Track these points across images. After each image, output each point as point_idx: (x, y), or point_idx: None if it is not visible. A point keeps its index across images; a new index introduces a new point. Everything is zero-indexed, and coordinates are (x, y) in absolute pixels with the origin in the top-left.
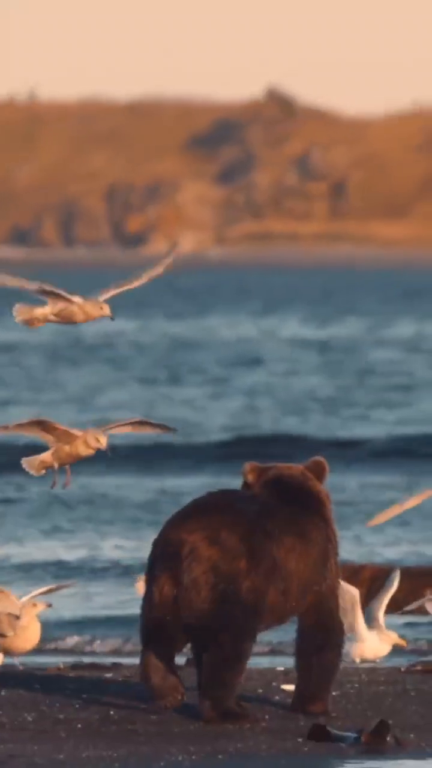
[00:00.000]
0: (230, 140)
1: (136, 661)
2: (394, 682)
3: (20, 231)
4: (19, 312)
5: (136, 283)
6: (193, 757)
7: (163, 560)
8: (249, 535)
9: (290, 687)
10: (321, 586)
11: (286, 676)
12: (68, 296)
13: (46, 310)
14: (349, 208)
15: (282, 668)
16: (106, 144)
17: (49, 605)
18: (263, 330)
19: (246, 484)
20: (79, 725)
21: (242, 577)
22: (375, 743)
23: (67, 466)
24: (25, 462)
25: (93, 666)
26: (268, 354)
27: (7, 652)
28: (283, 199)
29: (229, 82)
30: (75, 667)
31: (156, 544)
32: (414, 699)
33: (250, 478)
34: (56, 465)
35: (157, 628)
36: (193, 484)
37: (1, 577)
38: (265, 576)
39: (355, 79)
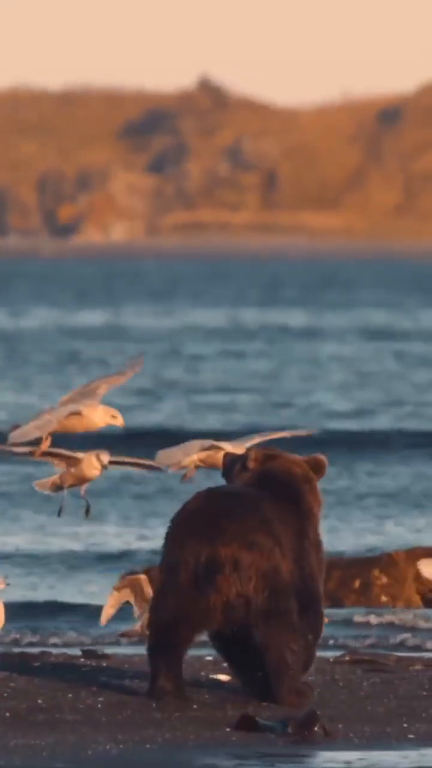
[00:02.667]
0: (162, 130)
1: (64, 650)
2: (323, 671)
3: None
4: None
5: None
6: (121, 746)
7: (205, 577)
8: (271, 525)
9: (220, 677)
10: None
11: (214, 666)
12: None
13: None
14: (281, 198)
15: (210, 658)
16: (37, 132)
17: (7, 583)
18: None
19: (232, 471)
20: (7, 714)
21: (281, 565)
22: (303, 733)
23: (82, 491)
24: (37, 484)
25: (21, 654)
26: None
27: None
28: (214, 189)
29: (160, 71)
30: (2, 655)
31: (184, 560)
32: (342, 689)
33: (252, 465)
34: (66, 486)
35: (178, 641)
36: None
37: None
38: (290, 557)
39: (286, 70)
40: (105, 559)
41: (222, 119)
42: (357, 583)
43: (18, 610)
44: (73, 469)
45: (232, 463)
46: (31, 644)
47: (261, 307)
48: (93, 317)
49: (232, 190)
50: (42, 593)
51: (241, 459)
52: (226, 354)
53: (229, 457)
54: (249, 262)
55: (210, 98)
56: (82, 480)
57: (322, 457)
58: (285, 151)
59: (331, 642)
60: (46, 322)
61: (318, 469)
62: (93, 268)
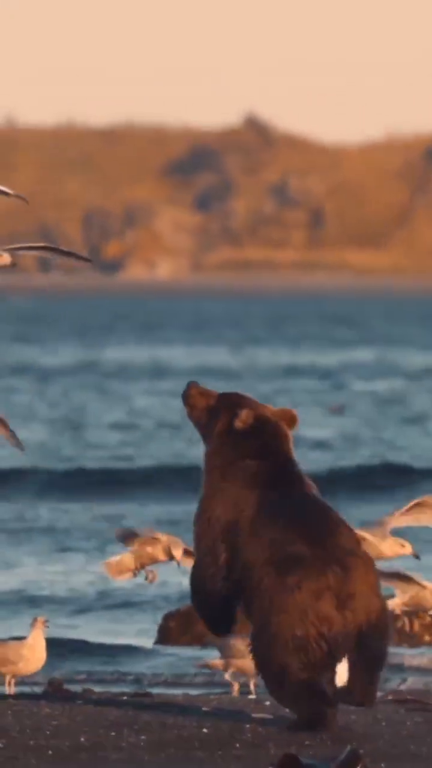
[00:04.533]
0: (207, 167)
1: (106, 688)
2: (365, 710)
3: None
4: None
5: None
6: None
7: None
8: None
9: (263, 715)
10: None
11: (257, 704)
12: None
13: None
14: (326, 236)
15: (252, 696)
16: (83, 169)
17: (46, 624)
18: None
19: (231, 429)
20: (50, 752)
21: None
22: None
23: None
24: (106, 565)
25: (64, 692)
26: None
27: (16, 676)
28: (260, 226)
29: (206, 108)
30: (46, 693)
31: (312, 568)
32: (385, 729)
33: (240, 425)
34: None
35: (323, 653)
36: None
37: None
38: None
39: (332, 107)
40: (138, 600)
41: (267, 157)
42: (401, 624)
43: (60, 649)
44: (150, 549)
45: (212, 415)
46: (74, 682)
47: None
48: (177, 354)
49: (278, 228)
50: (82, 632)
51: (230, 416)
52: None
53: (204, 405)
54: (296, 299)
55: (255, 135)
56: (155, 561)
57: (293, 411)
58: (330, 189)
59: None
60: (127, 357)
61: (292, 422)
62: (153, 305)
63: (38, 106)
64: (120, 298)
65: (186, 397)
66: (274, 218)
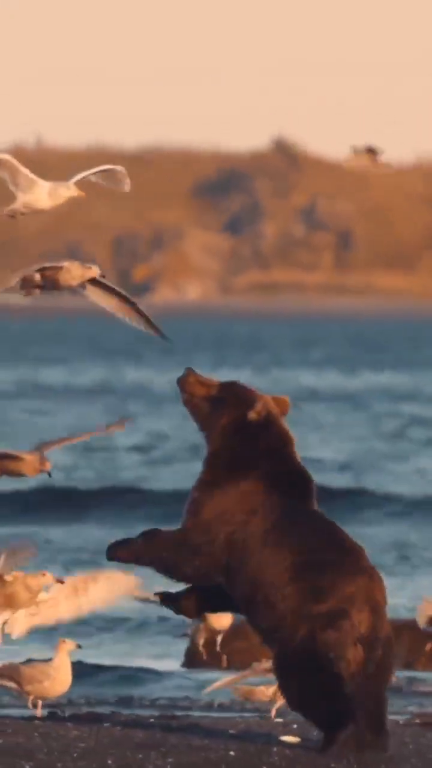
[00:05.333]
0: (236, 190)
1: (134, 711)
2: (393, 734)
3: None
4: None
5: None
6: None
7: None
8: None
9: (290, 738)
10: None
11: (284, 728)
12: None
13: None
14: (355, 259)
15: (280, 719)
16: (111, 192)
17: (79, 646)
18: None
19: (245, 423)
20: None
21: None
22: None
23: None
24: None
25: (91, 714)
26: None
27: (42, 698)
28: (288, 249)
29: (234, 131)
30: (73, 716)
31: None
32: (412, 752)
33: (256, 417)
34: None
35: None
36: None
37: None
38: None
39: (361, 131)
40: (165, 623)
41: (296, 179)
42: (429, 647)
43: (88, 672)
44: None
45: (214, 405)
46: (101, 704)
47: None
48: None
49: (306, 251)
50: (103, 654)
51: (240, 407)
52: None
53: (204, 393)
54: (324, 322)
55: (284, 158)
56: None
57: (286, 398)
58: (359, 212)
59: (401, 705)
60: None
61: (286, 409)
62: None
63: (67, 129)
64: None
65: (184, 383)
66: (303, 241)
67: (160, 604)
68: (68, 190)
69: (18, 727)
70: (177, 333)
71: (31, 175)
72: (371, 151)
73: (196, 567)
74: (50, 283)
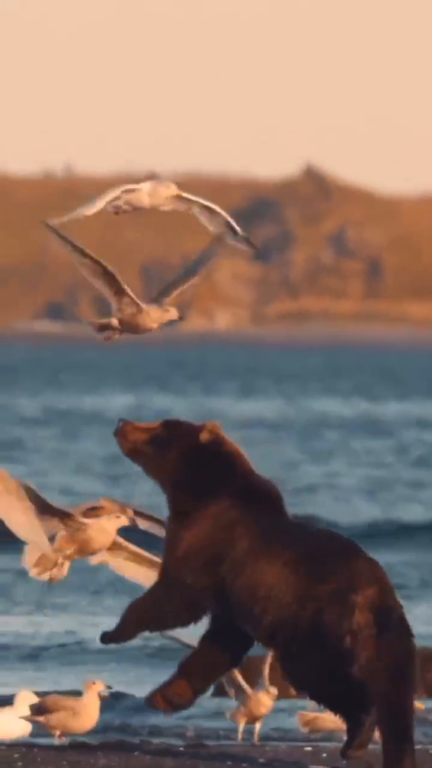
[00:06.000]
0: (266, 218)
1: (163, 740)
2: (422, 763)
3: (56, 306)
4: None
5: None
6: None
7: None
8: None
9: (317, 767)
10: None
11: (313, 756)
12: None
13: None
14: (384, 287)
15: (309, 748)
16: (142, 219)
17: (109, 687)
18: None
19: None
20: None
21: None
22: None
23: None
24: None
25: (120, 743)
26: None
27: (68, 732)
28: (318, 277)
29: (265, 159)
30: (102, 744)
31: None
32: None
33: (207, 438)
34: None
35: None
36: None
37: None
38: None
39: (390, 159)
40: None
41: (326, 207)
42: None
43: (117, 700)
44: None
45: (160, 444)
46: (131, 733)
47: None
48: (226, 404)
49: (336, 279)
50: (138, 684)
51: (190, 436)
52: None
53: (145, 438)
54: (354, 351)
55: (314, 186)
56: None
57: (215, 424)
58: (389, 240)
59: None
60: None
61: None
62: (210, 355)
63: (96, 156)
64: (178, 349)
65: (121, 434)
66: (333, 269)
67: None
68: (168, 189)
69: (47, 757)
70: (206, 361)
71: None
72: None
73: (184, 599)
74: (130, 327)
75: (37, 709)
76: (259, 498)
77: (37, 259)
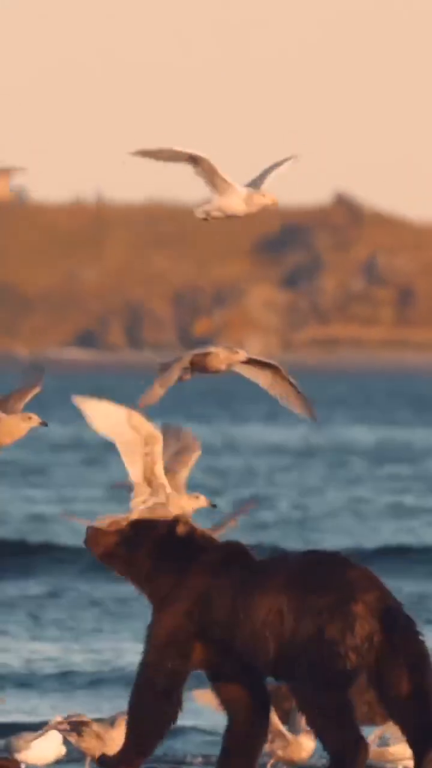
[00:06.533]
0: (296, 245)
1: (172, 766)
2: None
3: (87, 333)
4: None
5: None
6: None
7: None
8: None
9: None
10: None
11: None
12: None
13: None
14: (416, 314)
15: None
16: (172, 246)
17: None
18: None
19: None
20: None
21: None
22: None
23: None
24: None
25: None
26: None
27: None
28: (348, 304)
29: (295, 186)
30: None
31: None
32: None
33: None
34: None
35: None
36: None
37: None
38: None
39: (421, 186)
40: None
41: (356, 234)
42: None
43: None
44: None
45: (130, 542)
46: (157, 761)
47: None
48: (251, 431)
49: (367, 306)
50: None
51: (163, 527)
52: None
53: (114, 540)
54: (384, 378)
55: (345, 214)
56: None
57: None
58: (420, 267)
59: None
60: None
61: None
62: (239, 382)
63: (128, 184)
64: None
65: (92, 540)
66: (363, 296)
67: None
68: (263, 198)
69: None
70: (235, 388)
71: (229, 179)
72: None
73: (169, 675)
74: (199, 369)
75: (73, 734)
76: (228, 558)
77: (67, 287)
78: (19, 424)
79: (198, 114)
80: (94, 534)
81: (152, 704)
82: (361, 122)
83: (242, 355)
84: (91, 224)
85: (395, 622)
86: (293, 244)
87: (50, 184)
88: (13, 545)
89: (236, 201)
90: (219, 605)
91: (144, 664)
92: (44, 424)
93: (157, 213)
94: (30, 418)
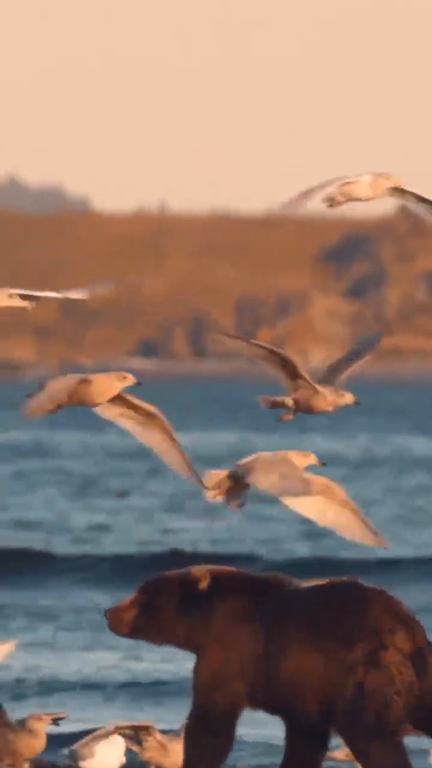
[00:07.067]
0: (360, 255)
1: None
2: None
3: (150, 343)
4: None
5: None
6: None
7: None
8: None
9: None
10: None
11: None
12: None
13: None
14: None
15: None
16: (235, 257)
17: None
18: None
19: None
20: None
21: None
22: None
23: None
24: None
25: None
26: None
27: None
28: (412, 314)
29: None
30: None
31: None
32: None
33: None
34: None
35: None
36: None
37: None
38: None
39: None
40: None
41: (420, 244)
42: None
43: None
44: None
45: (146, 608)
46: None
47: None
48: (310, 443)
49: (430, 317)
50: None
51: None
52: None
53: (133, 615)
54: None
55: (409, 224)
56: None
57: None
58: None
59: None
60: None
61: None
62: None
63: (191, 194)
64: (272, 386)
65: (114, 622)
66: (427, 306)
67: None
68: (388, 181)
69: None
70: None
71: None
72: None
73: (219, 716)
74: (305, 408)
75: (135, 742)
76: (255, 592)
77: (131, 297)
78: (113, 383)
79: (261, 124)
80: (113, 616)
81: (205, 743)
82: (423, 131)
83: (349, 398)
84: (155, 234)
85: (425, 664)
86: (357, 254)
87: (113, 194)
88: (79, 557)
89: (362, 184)
90: (248, 655)
91: (194, 705)
92: (139, 383)
93: (220, 224)
94: (125, 377)
